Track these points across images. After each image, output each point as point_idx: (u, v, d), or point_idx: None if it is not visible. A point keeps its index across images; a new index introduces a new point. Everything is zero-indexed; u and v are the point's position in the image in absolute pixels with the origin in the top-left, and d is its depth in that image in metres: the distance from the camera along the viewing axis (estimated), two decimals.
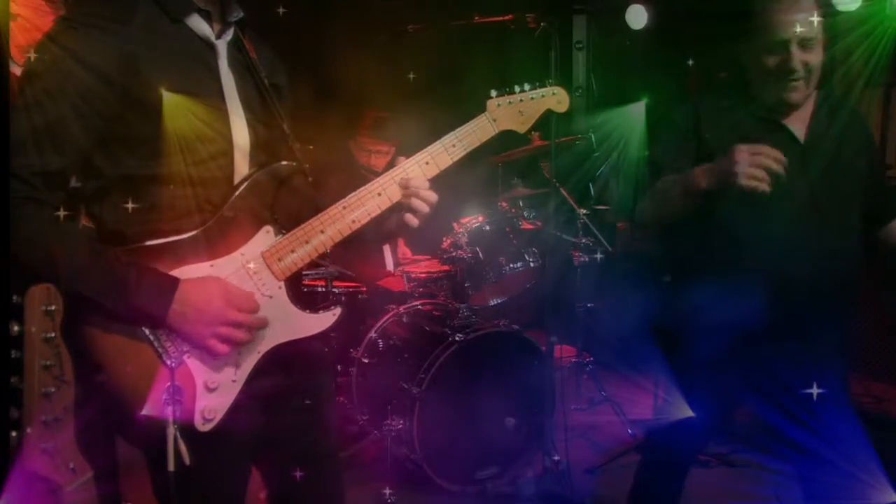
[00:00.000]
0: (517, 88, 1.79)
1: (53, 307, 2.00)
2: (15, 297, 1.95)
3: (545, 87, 1.83)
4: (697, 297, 2.13)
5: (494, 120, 1.77)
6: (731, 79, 2.28)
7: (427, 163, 1.70)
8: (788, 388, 2.12)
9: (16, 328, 1.97)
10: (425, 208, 1.69)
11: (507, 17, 3.48)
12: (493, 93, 1.78)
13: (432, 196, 1.70)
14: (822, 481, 2.13)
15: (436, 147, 1.72)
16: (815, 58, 2.08)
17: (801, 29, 2.02)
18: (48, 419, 2.02)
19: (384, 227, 1.76)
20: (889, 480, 2.11)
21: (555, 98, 1.83)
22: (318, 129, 1.78)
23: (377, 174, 4.04)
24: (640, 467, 2.48)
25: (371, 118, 4.21)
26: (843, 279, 2.13)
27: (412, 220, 1.70)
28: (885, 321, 4.18)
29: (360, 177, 4.14)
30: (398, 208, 1.71)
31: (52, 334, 2.01)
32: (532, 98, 1.81)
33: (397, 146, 4.18)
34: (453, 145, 1.72)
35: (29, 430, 2.00)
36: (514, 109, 1.79)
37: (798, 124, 2.15)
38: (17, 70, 2.18)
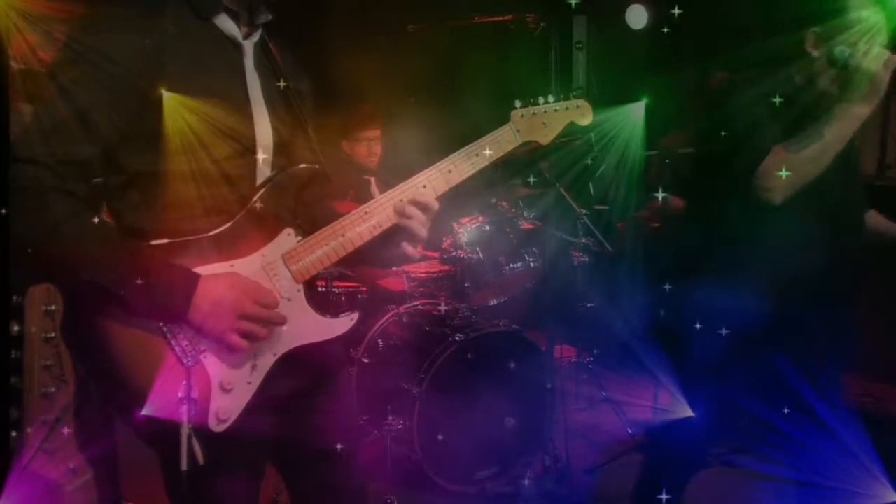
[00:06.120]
0: (541, 100, 1.80)
1: (53, 307, 2.00)
2: (15, 297, 1.95)
3: (569, 98, 1.83)
4: (696, 298, 2.14)
5: (518, 130, 1.77)
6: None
7: (450, 171, 1.69)
8: (787, 388, 2.13)
9: (16, 328, 1.97)
10: (422, 230, 1.67)
11: (506, 17, 3.48)
12: (517, 103, 1.78)
13: (432, 205, 1.67)
14: (822, 482, 2.14)
15: (458, 155, 1.71)
16: None
17: None
18: (48, 419, 2.02)
19: (385, 253, 1.73)
20: (889, 480, 2.11)
21: (578, 110, 1.83)
22: (318, 129, 1.76)
23: (372, 171, 3.98)
24: (643, 467, 2.48)
25: (363, 112, 4.28)
26: (841, 275, 2.15)
27: (410, 250, 1.69)
28: (885, 321, 4.17)
29: (356, 178, 4.16)
30: (397, 238, 1.69)
31: (52, 334, 2.01)
32: (556, 110, 1.81)
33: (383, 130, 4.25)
34: (476, 154, 1.71)
35: (29, 430, 2.00)
36: (537, 120, 1.79)
37: None
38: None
